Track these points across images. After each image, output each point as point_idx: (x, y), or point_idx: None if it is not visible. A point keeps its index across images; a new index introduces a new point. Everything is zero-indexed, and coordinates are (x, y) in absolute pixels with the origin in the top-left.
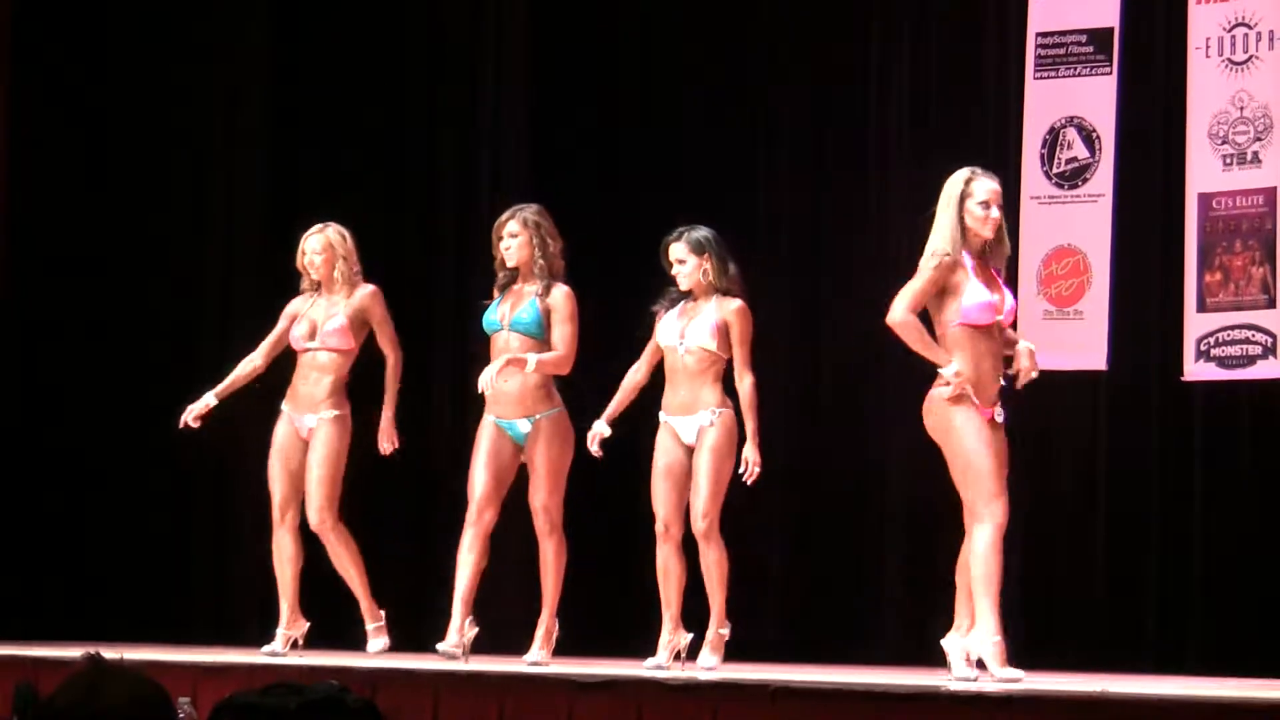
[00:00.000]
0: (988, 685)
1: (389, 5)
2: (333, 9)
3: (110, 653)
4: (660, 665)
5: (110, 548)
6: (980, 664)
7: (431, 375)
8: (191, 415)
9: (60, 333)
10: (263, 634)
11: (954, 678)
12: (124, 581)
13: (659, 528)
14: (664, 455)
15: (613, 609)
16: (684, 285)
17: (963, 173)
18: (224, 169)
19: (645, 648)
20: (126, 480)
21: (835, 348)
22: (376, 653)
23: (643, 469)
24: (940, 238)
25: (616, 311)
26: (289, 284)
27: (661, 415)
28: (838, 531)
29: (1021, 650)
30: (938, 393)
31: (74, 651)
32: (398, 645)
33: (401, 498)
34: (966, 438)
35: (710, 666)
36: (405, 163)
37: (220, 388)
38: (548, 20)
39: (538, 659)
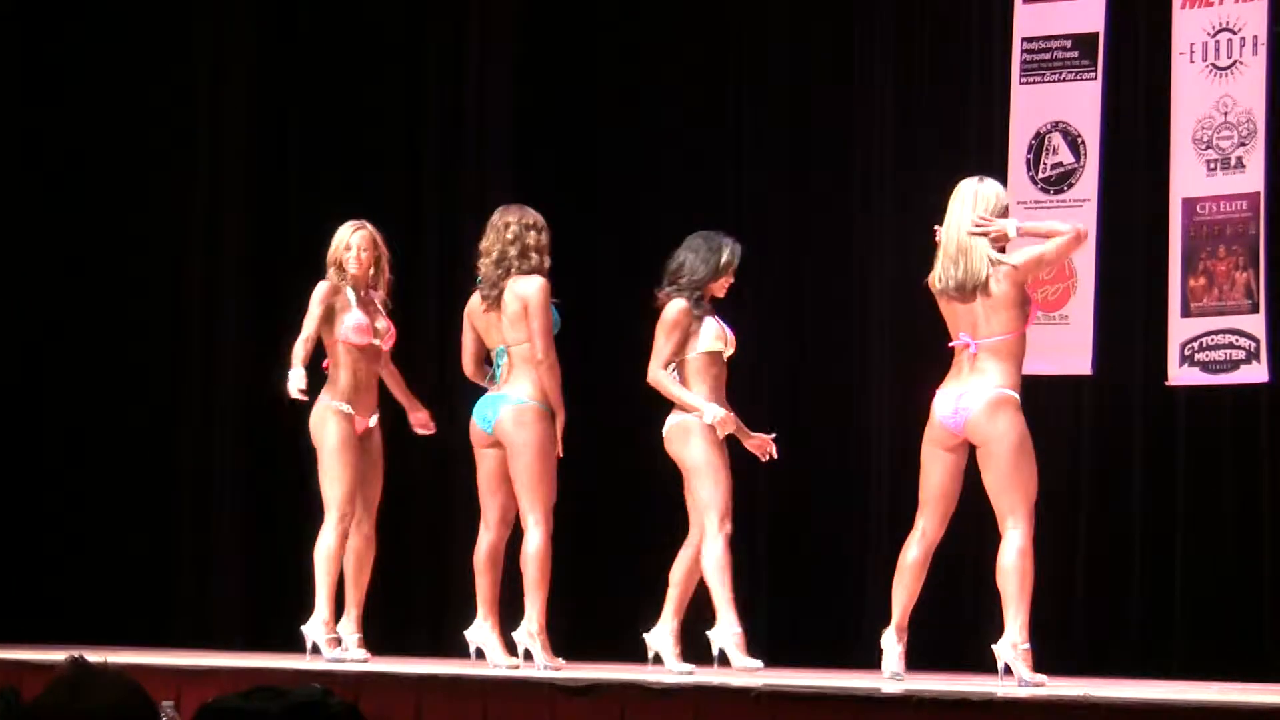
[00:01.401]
0: (976, 687)
1: (375, 2)
2: (318, 8)
3: (94, 656)
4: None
5: (94, 550)
6: (1007, 670)
7: (414, 374)
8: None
9: (46, 334)
10: (249, 638)
11: (886, 675)
12: (108, 584)
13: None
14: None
15: (599, 611)
16: (723, 293)
17: (999, 184)
18: (208, 172)
19: (634, 654)
20: (111, 483)
21: (821, 347)
22: (332, 658)
23: (632, 471)
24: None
25: (601, 311)
26: (277, 288)
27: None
28: (821, 533)
29: None
30: (1010, 396)
31: (57, 655)
32: (381, 649)
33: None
34: (1029, 445)
35: (755, 668)
36: (390, 161)
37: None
38: (534, 19)
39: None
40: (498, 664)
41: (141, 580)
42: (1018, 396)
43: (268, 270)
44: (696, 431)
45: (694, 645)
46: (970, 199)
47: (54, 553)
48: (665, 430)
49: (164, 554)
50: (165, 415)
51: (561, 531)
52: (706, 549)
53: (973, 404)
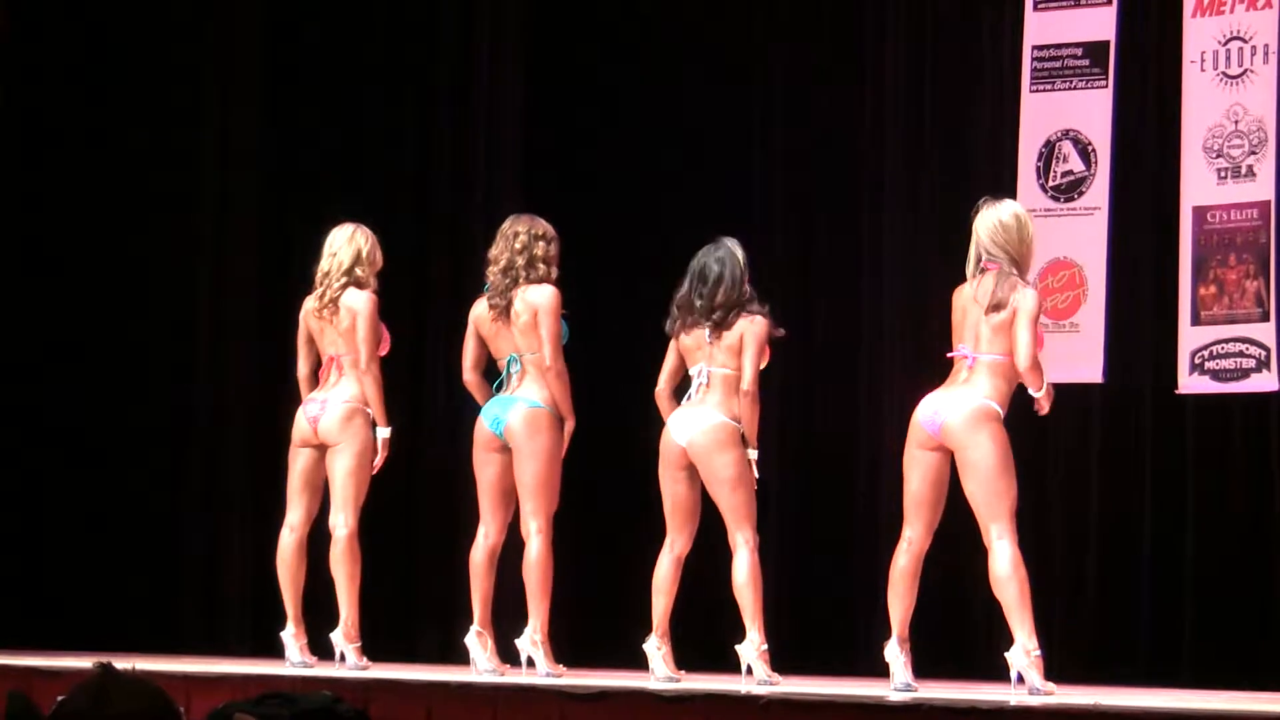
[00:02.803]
0: (987, 696)
1: (383, 2)
2: (326, 6)
3: (121, 662)
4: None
5: (101, 555)
6: (1020, 678)
7: (424, 378)
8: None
9: (50, 338)
10: (256, 643)
11: (895, 687)
12: (115, 590)
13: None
14: None
15: (602, 616)
16: None
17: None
18: (214, 176)
19: (637, 660)
20: (117, 487)
21: (829, 354)
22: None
23: (636, 476)
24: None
25: (604, 314)
26: (283, 291)
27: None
28: (829, 539)
29: None
30: (992, 408)
31: (64, 660)
32: (391, 655)
33: (390, 504)
34: (1010, 456)
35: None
36: (397, 162)
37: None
38: (543, 18)
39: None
40: (485, 670)
41: (149, 585)
42: (1001, 411)
43: (274, 274)
44: (738, 441)
45: (715, 653)
46: (1011, 214)
47: (60, 558)
48: (700, 432)
49: (171, 559)
50: (171, 417)
51: (565, 537)
52: (743, 562)
53: (953, 411)
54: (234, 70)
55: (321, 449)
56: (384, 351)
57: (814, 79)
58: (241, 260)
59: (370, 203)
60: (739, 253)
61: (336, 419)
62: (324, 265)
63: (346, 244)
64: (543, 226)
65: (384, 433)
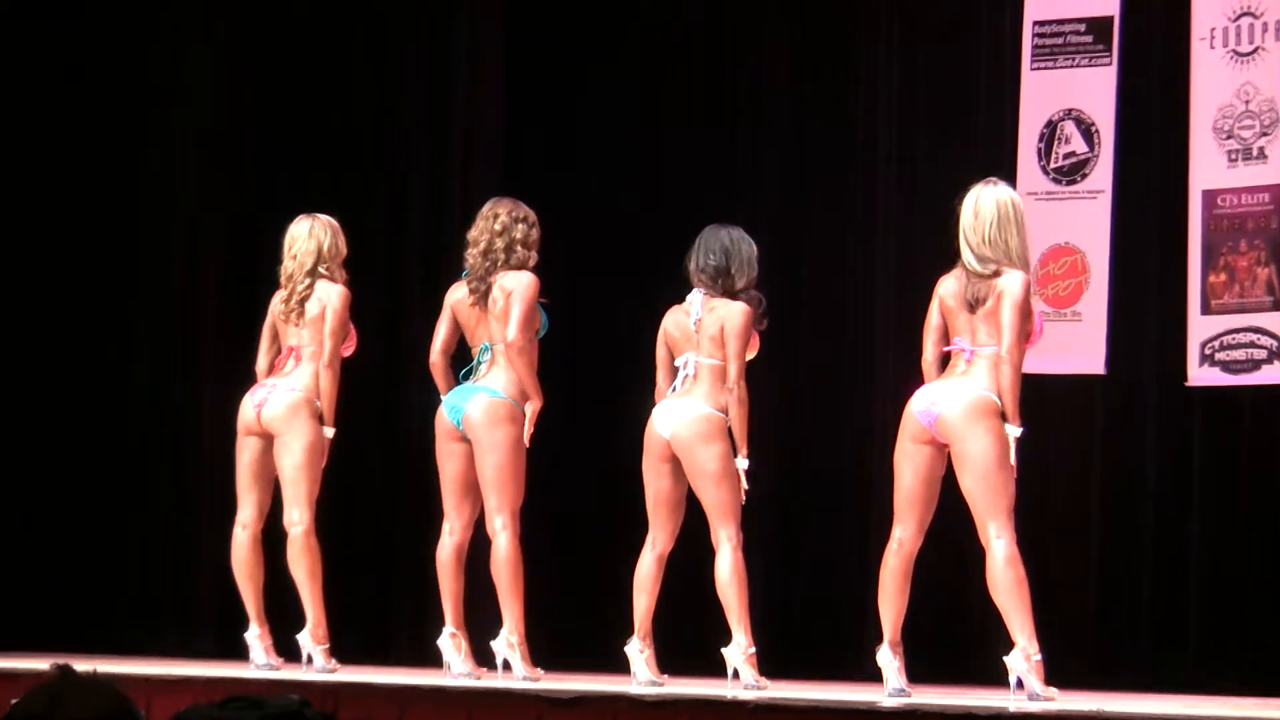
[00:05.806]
0: (984, 701)
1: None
2: (304, 4)
3: (81, 664)
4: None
5: (68, 557)
6: (1019, 683)
7: (399, 377)
8: None
9: (22, 336)
10: (223, 646)
11: (888, 693)
12: (79, 591)
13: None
14: None
15: (589, 619)
16: None
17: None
18: (193, 174)
19: (615, 664)
20: (85, 489)
21: (821, 351)
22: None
23: (621, 476)
24: (1025, 263)
25: (586, 306)
26: (262, 290)
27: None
28: (818, 544)
29: None
30: (991, 400)
31: (22, 663)
32: (363, 658)
33: (363, 501)
34: (1008, 451)
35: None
36: (377, 160)
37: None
38: (523, 16)
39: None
40: (460, 673)
41: (114, 587)
42: (1000, 402)
43: (246, 270)
44: (724, 433)
45: (701, 656)
46: (971, 210)
47: (25, 559)
48: (683, 424)
49: (139, 560)
50: (143, 416)
51: (543, 535)
52: (727, 561)
53: (951, 402)
54: (211, 61)
55: (267, 438)
56: (349, 352)
57: (807, 56)
58: (213, 257)
59: (348, 197)
60: (748, 244)
61: (282, 408)
62: (286, 266)
63: (306, 240)
64: (523, 210)
65: (328, 432)
